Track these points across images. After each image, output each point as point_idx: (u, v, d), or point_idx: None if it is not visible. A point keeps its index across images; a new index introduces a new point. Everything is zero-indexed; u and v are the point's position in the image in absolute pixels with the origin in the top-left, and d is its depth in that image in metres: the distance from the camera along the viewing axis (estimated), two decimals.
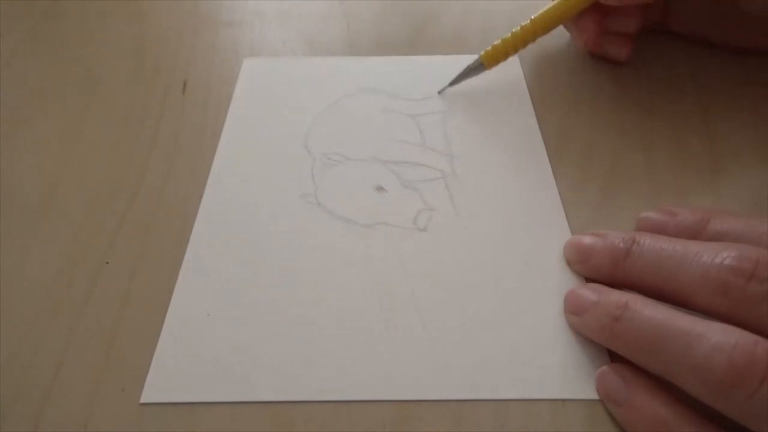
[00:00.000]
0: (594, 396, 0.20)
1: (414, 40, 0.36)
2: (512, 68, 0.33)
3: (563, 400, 0.20)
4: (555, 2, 0.30)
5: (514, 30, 0.30)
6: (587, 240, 0.23)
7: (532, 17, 0.30)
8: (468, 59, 0.31)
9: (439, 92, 0.31)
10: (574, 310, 0.21)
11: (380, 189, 0.27)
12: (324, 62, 0.34)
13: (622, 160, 0.28)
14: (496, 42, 0.30)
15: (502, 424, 0.19)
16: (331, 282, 0.23)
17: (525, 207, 0.26)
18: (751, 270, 0.17)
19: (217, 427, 0.19)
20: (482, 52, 0.31)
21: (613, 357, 0.20)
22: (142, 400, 0.20)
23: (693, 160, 0.27)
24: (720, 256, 0.18)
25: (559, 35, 0.33)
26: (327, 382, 0.20)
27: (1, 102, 0.32)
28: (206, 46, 0.36)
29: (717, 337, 0.16)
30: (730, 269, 0.18)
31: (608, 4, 0.29)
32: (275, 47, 0.36)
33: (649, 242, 0.20)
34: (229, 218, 0.25)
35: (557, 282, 0.23)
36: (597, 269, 0.22)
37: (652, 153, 0.28)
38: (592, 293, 0.21)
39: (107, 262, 0.24)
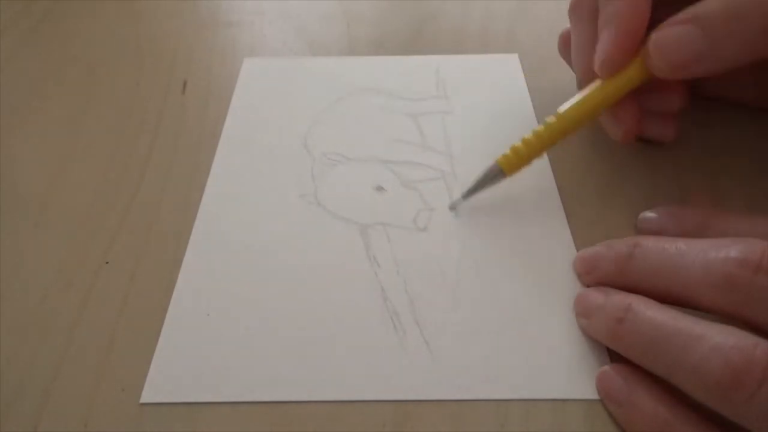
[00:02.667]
0: (594, 396, 0.20)
1: (414, 40, 0.36)
2: (512, 68, 0.33)
3: (563, 400, 0.20)
4: (589, 92, 0.24)
5: (537, 129, 0.24)
6: (592, 250, 0.23)
7: (559, 111, 0.24)
8: (470, 60, 0.30)
9: (450, 208, 0.26)
10: (582, 312, 0.21)
11: (380, 189, 0.27)
12: (324, 62, 0.34)
13: (623, 158, 0.28)
14: (517, 144, 0.24)
15: (502, 424, 0.19)
16: (331, 282, 0.23)
17: (525, 206, 0.26)
18: (757, 262, 0.17)
19: (217, 427, 0.19)
20: (500, 157, 0.24)
21: (613, 357, 0.20)
22: (142, 400, 0.20)
23: (693, 160, 0.27)
24: (725, 249, 0.18)
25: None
26: (327, 382, 0.20)
27: (1, 101, 0.32)
28: (206, 46, 0.36)
29: (716, 338, 0.16)
30: (735, 261, 0.17)
31: (657, 75, 0.23)
32: (275, 47, 0.36)
33: (652, 244, 0.20)
34: (229, 218, 0.25)
35: (557, 281, 0.23)
36: (603, 277, 0.22)
37: (652, 154, 0.28)
38: (598, 295, 0.21)
39: (107, 262, 0.24)
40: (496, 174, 0.24)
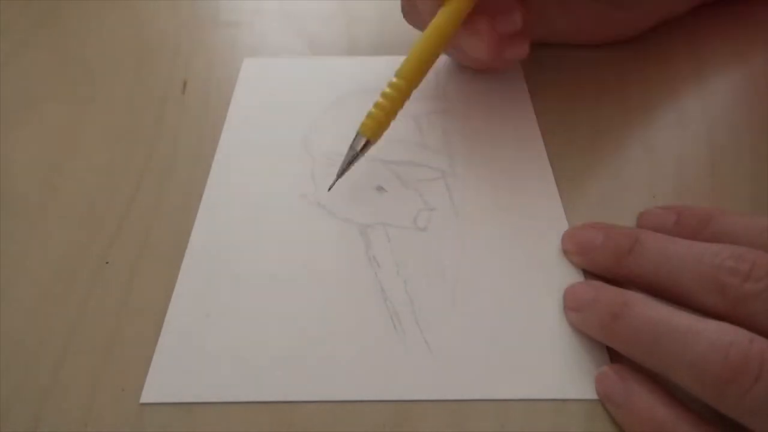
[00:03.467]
0: (594, 396, 0.20)
1: (414, 40, 0.36)
2: (512, 68, 0.33)
3: (563, 400, 0.20)
4: (420, 42, 0.26)
5: (385, 91, 0.26)
6: (588, 232, 0.23)
7: (398, 70, 0.26)
8: None
9: (329, 189, 0.26)
10: (572, 306, 0.21)
11: (380, 189, 0.27)
12: (324, 62, 0.34)
13: (623, 159, 0.28)
14: (372, 110, 0.26)
15: (502, 424, 0.19)
16: (331, 282, 0.23)
17: (525, 207, 0.26)
18: (747, 271, 0.18)
19: (217, 427, 0.19)
20: (360, 128, 0.26)
21: (614, 357, 0.20)
22: (142, 400, 0.20)
23: (693, 161, 0.27)
24: (719, 257, 0.19)
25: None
26: (327, 382, 0.20)
27: (1, 101, 0.32)
28: (206, 46, 0.36)
29: (713, 335, 0.17)
30: (727, 270, 0.18)
31: None
32: (275, 47, 0.36)
33: (652, 241, 0.21)
34: (229, 218, 0.25)
35: (558, 282, 0.23)
36: (597, 263, 0.22)
37: (653, 152, 0.28)
38: (590, 290, 0.21)
39: (107, 262, 0.24)
40: (362, 144, 0.25)
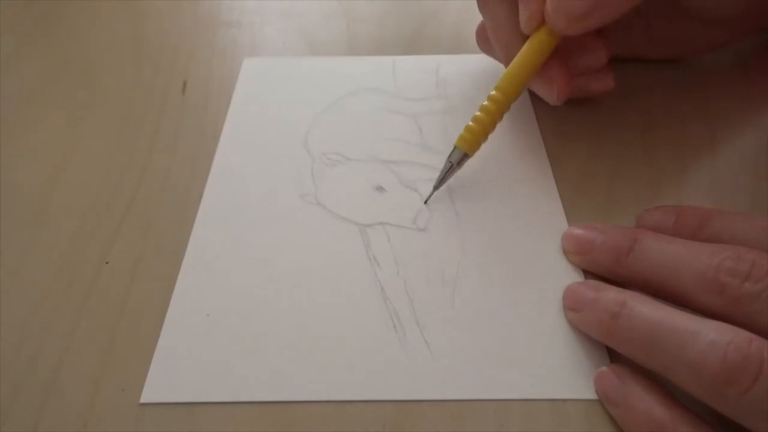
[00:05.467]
0: (594, 396, 0.20)
1: (414, 40, 0.36)
2: None
3: (563, 400, 0.20)
4: (516, 60, 0.26)
5: (484, 104, 0.25)
6: (588, 232, 0.23)
7: (497, 85, 0.26)
8: (470, 60, 0.30)
9: (425, 202, 0.26)
10: (572, 305, 0.21)
11: (380, 189, 0.27)
12: (324, 62, 0.34)
13: (623, 159, 0.28)
14: (471, 124, 0.25)
15: (502, 424, 0.19)
16: (331, 282, 0.23)
17: (525, 207, 0.26)
18: (747, 271, 0.18)
19: (217, 427, 0.19)
20: (457, 140, 0.25)
21: (614, 357, 0.20)
22: (142, 400, 0.20)
23: (693, 160, 0.27)
24: (718, 257, 0.19)
25: None
26: (327, 382, 0.20)
27: (1, 101, 0.32)
28: (206, 46, 0.36)
29: (712, 334, 0.17)
30: (727, 270, 0.18)
31: (559, 33, 0.25)
32: (275, 47, 0.36)
33: (652, 241, 0.21)
34: (229, 218, 0.25)
35: (557, 282, 0.23)
36: (597, 263, 0.22)
37: (652, 153, 0.28)
38: (590, 289, 0.21)
39: (107, 262, 0.24)
40: (460, 157, 0.25)
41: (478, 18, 0.30)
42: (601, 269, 0.22)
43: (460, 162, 0.25)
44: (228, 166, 0.28)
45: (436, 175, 0.26)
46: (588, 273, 0.23)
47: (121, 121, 0.30)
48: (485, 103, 0.26)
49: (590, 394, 0.20)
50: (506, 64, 0.27)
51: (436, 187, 0.26)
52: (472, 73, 0.33)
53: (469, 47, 0.34)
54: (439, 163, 0.26)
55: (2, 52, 0.35)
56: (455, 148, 0.25)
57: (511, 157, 0.28)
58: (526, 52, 0.26)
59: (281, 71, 0.33)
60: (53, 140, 0.30)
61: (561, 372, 0.20)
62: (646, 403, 0.18)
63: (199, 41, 0.36)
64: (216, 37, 0.36)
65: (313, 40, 0.36)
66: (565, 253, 0.24)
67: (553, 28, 0.25)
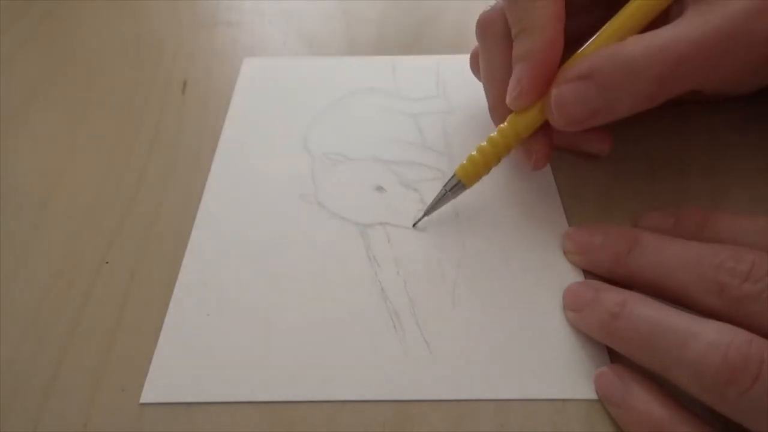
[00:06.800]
0: (594, 396, 0.20)
1: (414, 40, 0.36)
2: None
3: (563, 400, 0.20)
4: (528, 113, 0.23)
5: (491, 135, 0.24)
6: (588, 233, 0.23)
7: (512, 115, 0.24)
8: (468, 59, 0.30)
9: (414, 225, 0.25)
10: (572, 306, 0.21)
11: (380, 189, 0.27)
12: (324, 62, 0.34)
13: (622, 159, 0.28)
14: (473, 153, 0.24)
15: (502, 424, 0.19)
16: (331, 282, 0.23)
17: (525, 207, 0.26)
18: (747, 271, 0.18)
19: (217, 427, 0.19)
20: (457, 168, 0.24)
21: (614, 357, 0.20)
22: (142, 400, 0.20)
23: (694, 161, 0.27)
24: (718, 257, 0.19)
25: None
26: (327, 382, 0.20)
27: (1, 101, 0.32)
28: (206, 46, 0.36)
29: (712, 335, 0.17)
30: (726, 270, 0.18)
31: (558, 128, 0.23)
32: (275, 47, 0.36)
33: (651, 241, 0.21)
34: (229, 218, 0.25)
35: (557, 282, 0.23)
36: (597, 263, 0.22)
37: (652, 153, 0.28)
38: (589, 290, 0.21)
39: (107, 262, 0.24)
40: (455, 186, 0.24)
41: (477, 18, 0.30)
42: (601, 269, 0.22)
43: (455, 190, 0.24)
44: (228, 166, 0.28)
45: (436, 175, 0.26)
46: (588, 273, 0.23)
47: (121, 121, 0.30)
48: (493, 134, 0.24)
49: (590, 394, 0.20)
50: (491, 107, 0.26)
51: (427, 212, 0.25)
52: (471, 74, 0.33)
53: (469, 47, 0.34)
54: (439, 163, 0.26)
55: (2, 52, 0.35)
56: (454, 175, 0.24)
57: (511, 157, 0.28)
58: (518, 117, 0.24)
59: (281, 71, 0.33)
60: (53, 140, 0.30)
61: (561, 372, 0.20)
62: (646, 403, 0.18)
63: (199, 41, 0.36)
64: (216, 37, 0.36)
65: (313, 40, 0.36)
66: (565, 253, 0.24)
67: (551, 121, 0.23)
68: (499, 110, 0.25)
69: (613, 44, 0.21)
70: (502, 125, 0.24)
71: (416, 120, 0.30)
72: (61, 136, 0.30)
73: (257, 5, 0.39)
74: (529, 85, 0.23)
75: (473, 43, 0.31)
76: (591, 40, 0.23)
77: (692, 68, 0.20)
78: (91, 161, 0.28)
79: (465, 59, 0.31)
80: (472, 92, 0.31)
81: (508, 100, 0.24)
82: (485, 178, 0.25)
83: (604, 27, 0.23)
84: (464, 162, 0.24)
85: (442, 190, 0.25)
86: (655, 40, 0.21)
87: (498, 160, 0.24)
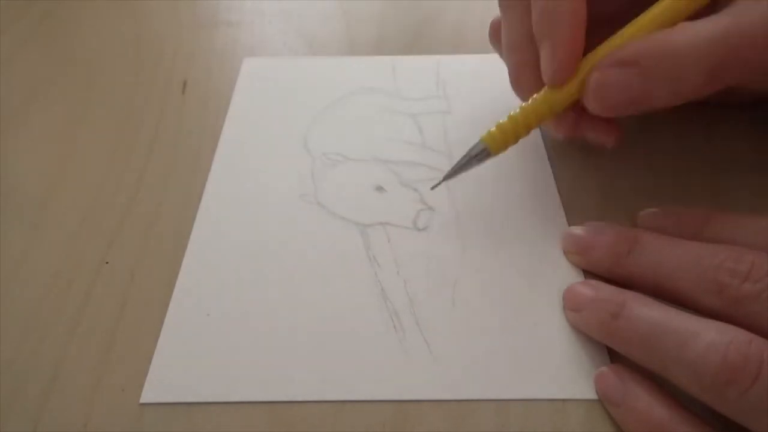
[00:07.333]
0: (594, 396, 0.20)
1: (414, 40, 0.36)
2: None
3: (563, 400, 0.20)
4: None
5: (525, 104, 0.23)
6: (587, 233, 0.23)
7: (547, 89, 0.23)
8: (470, 60, 0.30)
9: (432, 188, 0.25)
10: (572, 306, 0.21)
11: (380, 189, 0.27)
12: (324, 62, 0.34)
13: (622, 158, 0.28)
14: (503, 121, 0.23)
15: (502, 424, 0.19)
16: (331, 282, 0.23)
17: (525, 207, 0.26)
18: (747, 271, 0.18)
19: (217, 427, 0.19)
20: (485, 134, 0.23)
21: (614, 357, 0.20)
22: (142, 400, 0.20)
23: (694, 160, 0.27)
24: (717, 257, 0.19)
25: None
26: (327, 382, 0.20)
27: (1, 101, 0.32)
28: (206, 46, 0.36)
29: (712, 335, 0.17)
30: (726, 270, 0.18)
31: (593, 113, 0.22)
32: (275, 47, 0.36)
33: (651, 241, 0.21)
34: (229, 218, 0.25)
35: (557, 282, 0.23)
36: (597, 263, 0.22)
37: (652, 153, 0.28)
38: (589, 289, 0.21)
39: (107, 262, 0.24)
40: (480, 153, 0.23)
41: (477, 18, 0.30)
42: (601, 269, 0.22)
43: (480, 157, 0.23)
44: (228, 166, 0.28)
45: (435, 175, 0.26)
46: (588, 273, 0.23)
47: (121, 121, 0.30)
48: (525, 103, 0.23)
49: (590, 394, 0.20)
50: (511, 75, 0.25)
51: (447, 177, 0.24)
52: (472, 73, 0.33)
53: (469, 47, 0.34)
54: (439, 163, 0.26)
55: (2, 52, 0.35)
56: (480, 140, 0.23)
57: (511, 157, 0.28)
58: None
59: (281, 71, 0.33)
60: (53, 140, 0.30)
61: (561, 372, 0.20)
62: (646, 403, 0.18)
63: (199, 41, 0.36)
64: (216, 37, 0.36)
65: (313, 40, 0.36)
66: (565, 253, 0.24)
67: (585, 104, 0.22)
68: (521, 80, 0.25)
69: (659, 31, 0.20)
70: (535, 95, 0.23)
71: (416, 120, 0.30)
72: (61, 136, 0.30)
73: (257, 5, 0.39)
74: (560, 65, 0.22)
75: (473, 43, 0.31)
76: (633, 21, 0.22)
77: (743, 61, 0.20)
78: (91, 161, 0.28)
79: (465, 59, 0.31)
80: (472, 92, 0.31)
81: (546, 76, 0.23)
82: (486, 178, 0.24)
83: (648, 10, 0.22)
84: (492, 129, 0.23)
85: (465, 155, 0.23)
86: (705, 29, 0.20)
87: (527, 132, 0.23)
